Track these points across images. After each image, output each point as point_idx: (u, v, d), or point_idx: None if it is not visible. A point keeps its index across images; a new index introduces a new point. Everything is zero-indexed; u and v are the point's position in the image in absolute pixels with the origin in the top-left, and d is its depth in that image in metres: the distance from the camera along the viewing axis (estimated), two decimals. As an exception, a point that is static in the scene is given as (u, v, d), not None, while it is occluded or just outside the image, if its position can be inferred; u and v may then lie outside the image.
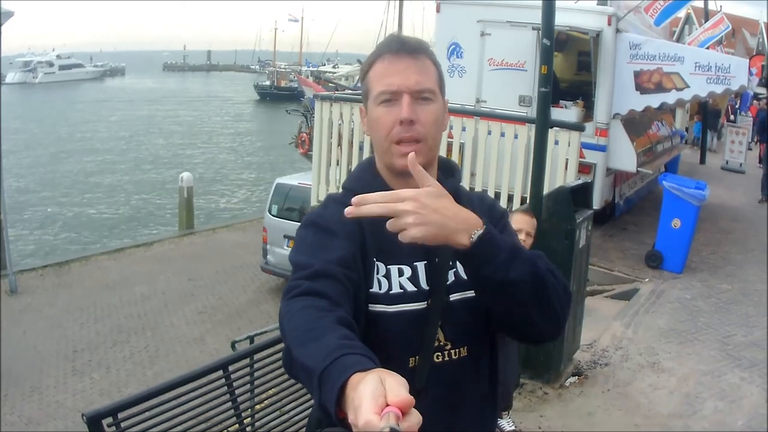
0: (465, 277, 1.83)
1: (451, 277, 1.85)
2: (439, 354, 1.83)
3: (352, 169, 2.04)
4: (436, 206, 1.56)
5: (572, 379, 6.69)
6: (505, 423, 5.59)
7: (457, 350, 1.85)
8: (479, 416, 1.95)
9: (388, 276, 1.79)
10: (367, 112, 1.88)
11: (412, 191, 1.55)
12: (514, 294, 1.66)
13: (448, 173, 1.97)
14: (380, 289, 1.77)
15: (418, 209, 1.52)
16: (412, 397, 1.12)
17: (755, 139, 19.40)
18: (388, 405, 1.10)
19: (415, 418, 1.11)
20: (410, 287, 1.80)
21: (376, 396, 1.12)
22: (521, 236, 4.58)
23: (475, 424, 1.93)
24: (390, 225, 1.53)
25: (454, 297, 1.85)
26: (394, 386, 1.13)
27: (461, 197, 1.89)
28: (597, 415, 6.07)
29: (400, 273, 1.80)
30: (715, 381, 6.73)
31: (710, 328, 8.02)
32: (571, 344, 6.72)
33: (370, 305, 1.76)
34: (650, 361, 7.16)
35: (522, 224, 4.64)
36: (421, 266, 1.82)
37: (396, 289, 1.78)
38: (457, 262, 1.84)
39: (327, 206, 1.88)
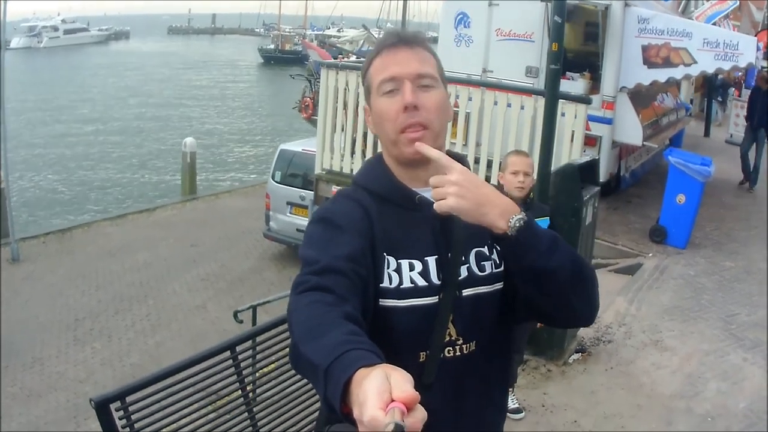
0: (478, 273, 1.85)
1: (463, 273, 1.84)
2: (450, 349, 1.82)
3: (362, 165, 2.03)
4: (478, 185, 1.64)
5: (576, 356, 6.69)
6: (508, 400, 5.58)
7: (467, 345, 1.85)
8: (485, 412, 1.94)
9: (398, 270, 1.77)
10: (371, 108, 1.88)
11: (463, 168, 1.65)
12: (555, 281, 1.71)
13: None
14: (390, 284, 1.76)
15: (461, 182, 1.61)
16: (417, 393, 1.11)
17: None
18: (393, 401, 1.10)
19: (420, 413, 1.11)
20: (421, 282, 1.78)
21: (381, 392, 1.11)
22: (519, 177, 4.57)
23: (481, 419, 1.93)
24: (434, 193, 1.64)
25: (466, 292, 1.83)
26: (400, 382, 1.13)
27: None
28: (600, 393, 6.08)
29: (411, 267, 1.79)
30: (718, 361, 6.72)
31: (713, 307, 8.00)
32: (575, 320, 6.70)
33: (380, 300, 1.75)
34: (653, 339, 7.14)
35: (519, 166, 4.62)
36: (432, 261, 1.81)
37: (407, 284, 1.77)
38: (470, 258, 1.85)
39: (336, 201, 1.89)
